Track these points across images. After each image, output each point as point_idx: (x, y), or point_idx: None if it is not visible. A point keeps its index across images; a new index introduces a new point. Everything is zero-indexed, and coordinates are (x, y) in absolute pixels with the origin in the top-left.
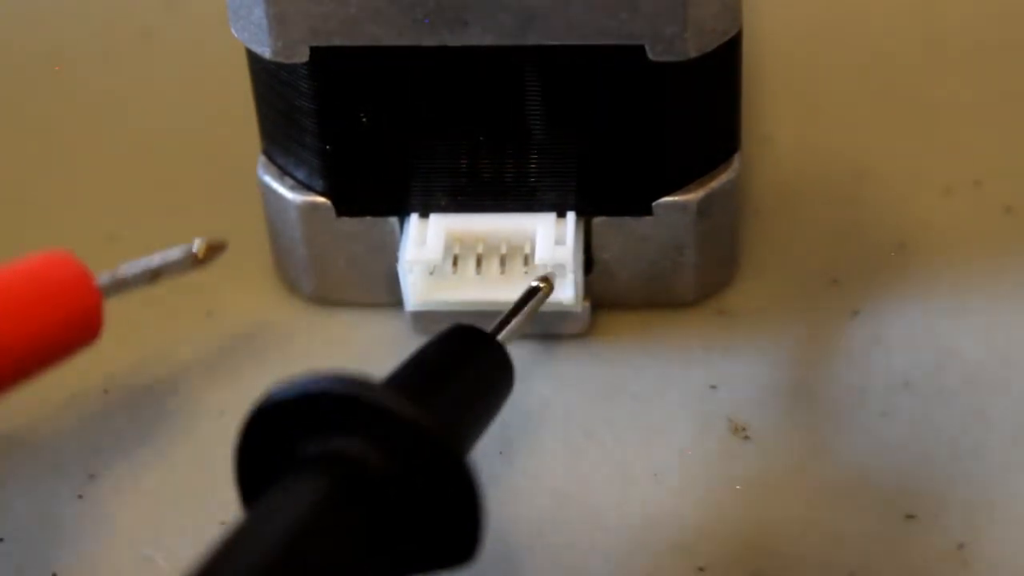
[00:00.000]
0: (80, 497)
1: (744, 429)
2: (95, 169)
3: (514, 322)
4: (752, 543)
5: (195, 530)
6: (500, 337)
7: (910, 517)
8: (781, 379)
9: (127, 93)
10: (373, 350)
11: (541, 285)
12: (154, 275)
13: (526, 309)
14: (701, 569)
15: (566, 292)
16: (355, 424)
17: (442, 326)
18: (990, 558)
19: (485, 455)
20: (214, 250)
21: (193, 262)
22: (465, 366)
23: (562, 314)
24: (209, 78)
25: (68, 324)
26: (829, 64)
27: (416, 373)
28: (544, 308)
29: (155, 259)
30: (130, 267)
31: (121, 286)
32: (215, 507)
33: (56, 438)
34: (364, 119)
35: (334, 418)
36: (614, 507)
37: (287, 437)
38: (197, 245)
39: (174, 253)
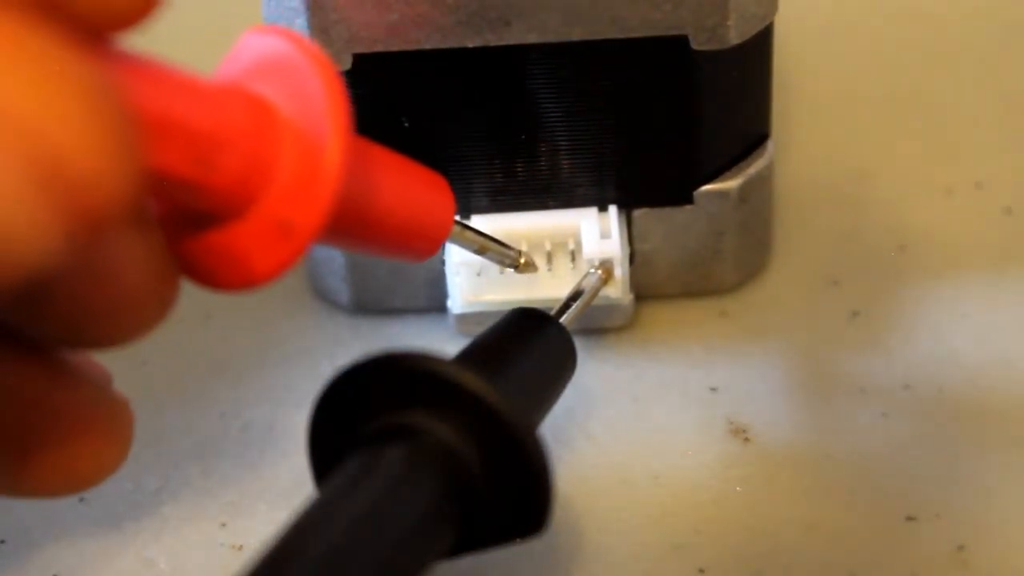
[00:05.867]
0: (82, 500)
1: (744, 431)
2: None
3: (575, 306)
4: (752, 543)
5: (196, 532)
6: (563, 320)
7: (910, 518)
8: (781, 380)
9: None
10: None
11: (599, 271)
12: (482, 248)
13: (586, 293)
14: (701, 570)
15: (614, 285)
16: (427, 399)
17: (486, 327)
18: (990, 559)
19: None
20: (528, 267)
21: (513, 263)
22: (530, 346)
23: (607, 308)
24: None
25: (424, 217)
26: (830, 67)
27: (484, 352)
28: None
29: (490, 239)
30: (475, 228)
31: (463, 234)
32: (216, 508)
33: None
34: (406, 124)
35: (407, 393)
36: (614, 508)
37: (357, 413)
38: (524, 256)
39: (506, 246)
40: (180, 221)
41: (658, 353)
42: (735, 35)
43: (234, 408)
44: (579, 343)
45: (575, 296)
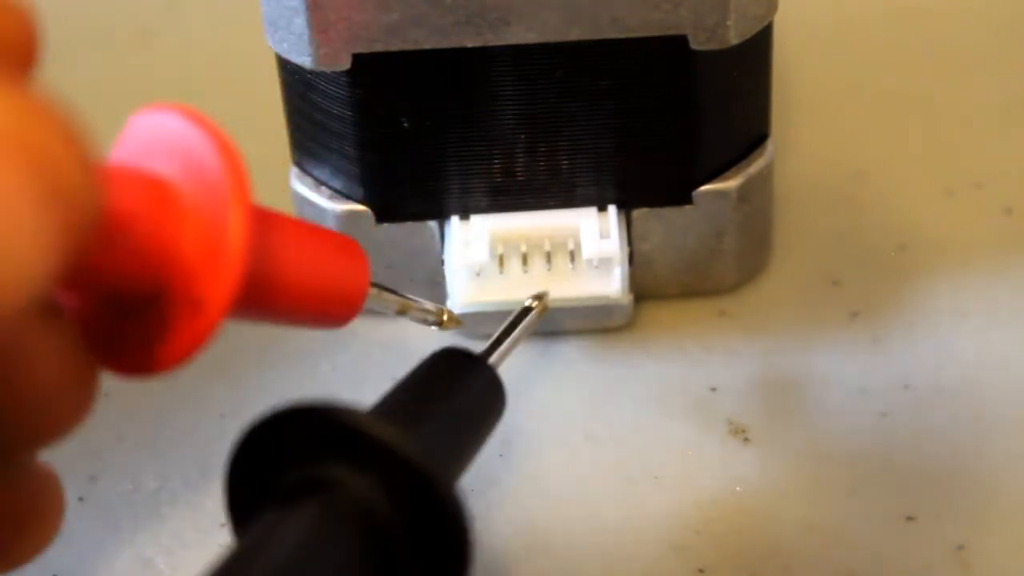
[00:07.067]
0: (81, 500)
1: (744, 430)
2: None
3: (505, 343)
4: (752, 544)
5: (195, 532)
6: (492, 360)
7: (910, 518)
8: (781, 380)
9: (127, 93)
10: (377, 353)
11: (534, 304)
12: (403, 308)
13: (518, 330)
14: (701, 571)
15: (613, 285)
16: (340, 451)
17: (485, 327)
18: (989, 559)
19: (485, 457)
20: (452, 323)
21: (436, 320)
22: (454, 390)
23: (607, 308)
24: (209, 79)
25: (337, 286)
26: (830, 67)
27: (405, 398)
28: (590, 303)
29: (410, 299)
30: (391, 289)
31: (381, 296)
32: (215, 509)
33: None
34: (405, 124)
35: (320, 445)
36: (614, 508)
37: (275, 462)
38: (446, 313)
39: (427, 304)
40: (97, 314)
41: (658, 353)
42: (735, 35)
43: (234, 408)
44: (579, 343)
45: (506, 332)
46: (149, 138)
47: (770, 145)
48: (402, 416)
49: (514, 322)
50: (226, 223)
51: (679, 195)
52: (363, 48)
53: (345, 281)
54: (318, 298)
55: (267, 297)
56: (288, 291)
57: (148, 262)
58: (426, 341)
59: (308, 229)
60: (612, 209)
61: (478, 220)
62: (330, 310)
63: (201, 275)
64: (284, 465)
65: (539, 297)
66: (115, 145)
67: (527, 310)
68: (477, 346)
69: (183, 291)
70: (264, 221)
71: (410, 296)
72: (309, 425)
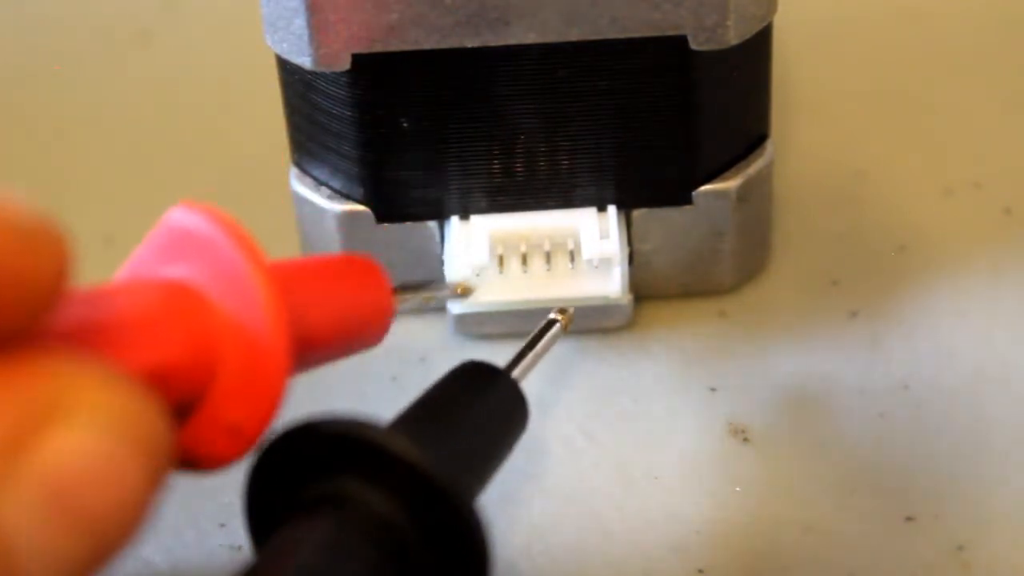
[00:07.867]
0: None
1: (743, 431)
2: (94, 170)
3: (529, 357)
4: (751, 544)
5: (195, 532)
6: (515, 373)
7: (910, 519)
8: (781, 380)
9: (127, 93)
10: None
11: (559, 318)
12: (427, 300)
13: (541, 344)
14: (700, 571)
15: (613, 285)
16: (359, 465)
17: (485, 327)
18: (989, 559)
19: None
20: (467, 291)
21: (453, 293)
22: (476, 403)
23: (606, 308)
24: (209, 79)
25: (367, 316)
26: (830, 67)
27: (425, 412)
28: (589, 303)
29: (428, 288)
30: (411, 285)
31: (405, 299)
32: (215, 510)
33: None
34: (405, 124)
35: (340, 459)
36: (614, 508)
37: (295, 476)
38: (460, 287)
39: (444, 289)
40: None
41: (657, 353)
42: (734, 35)
43: None
44: (579, 343)
45: (530, 346)
46: (176, 238)
47: (770, 145)
48: (422, 430)
49: (538, 336)
50: (265, 343)
51: (679, 195)
52: (363, 48)
53: (372, 307)
54: (352, 333)
55: (303, 356)
56: (323, 346)
57: (188, 382)
58: (426, 341)
59: (329, 271)
60: (612, 209)
61: (478, 220)
62: (365, 338)
63: (240, 399)
64: (304, 479)
65: (563, 311)
66: (145, 248)
67: (551, 323)
68: (491, 352)
69: (221, 414)
70: (292, 294)
71: (425, 283)
72: (329, 439)
